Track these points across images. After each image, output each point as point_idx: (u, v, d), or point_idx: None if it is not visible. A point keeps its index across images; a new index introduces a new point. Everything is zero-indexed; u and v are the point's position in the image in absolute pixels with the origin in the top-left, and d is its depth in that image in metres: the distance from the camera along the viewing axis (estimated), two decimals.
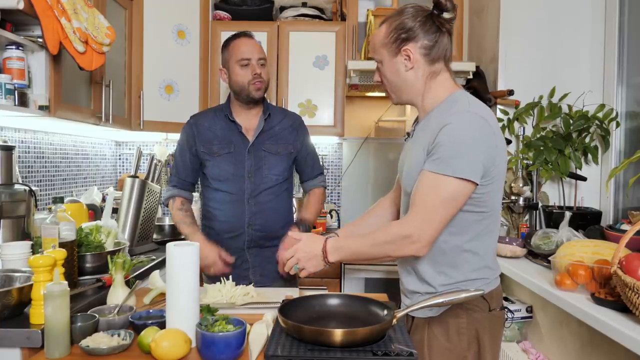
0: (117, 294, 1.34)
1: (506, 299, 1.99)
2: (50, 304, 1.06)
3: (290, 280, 1.83)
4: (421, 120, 1.29)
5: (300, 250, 1.25)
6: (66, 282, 1.11)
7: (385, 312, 1.18)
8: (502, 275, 1.97)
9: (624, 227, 1.78)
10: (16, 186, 1.66)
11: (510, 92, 2.29)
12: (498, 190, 1.21)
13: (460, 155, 1.11)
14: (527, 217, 2.27)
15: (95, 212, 2.32)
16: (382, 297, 1.52)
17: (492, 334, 1.23)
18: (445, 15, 1.20)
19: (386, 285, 2.42)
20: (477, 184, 1.13)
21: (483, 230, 1.21)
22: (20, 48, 1.66)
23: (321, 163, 1.99)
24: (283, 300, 1.25)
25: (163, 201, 1.83)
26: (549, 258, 1.66)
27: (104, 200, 2.60)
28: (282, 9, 2.92)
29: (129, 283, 1.47)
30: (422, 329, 1.25)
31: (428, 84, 1.25)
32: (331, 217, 3.05)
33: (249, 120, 1.80)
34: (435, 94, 1.25)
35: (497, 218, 1.26)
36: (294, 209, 2.82)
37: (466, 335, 1.21)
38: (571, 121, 2.19)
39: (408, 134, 1.39)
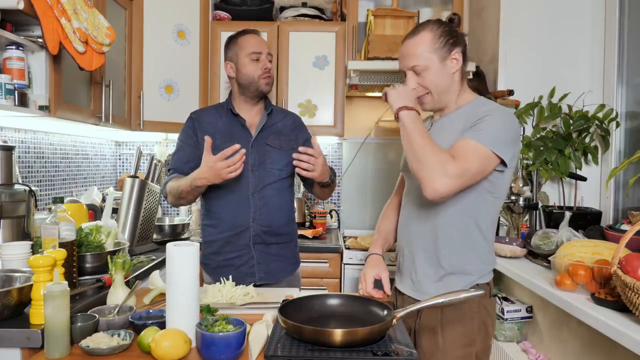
0: (117, 294, 1.34)
1: (506, 299, 1.99)
2: (50, 304, 1.06)
3: (293, 275, 1.86)
4: (439, 117, 1.42)
5: (411, 90, 1.35)
6: (66, 282, 1.11)
7: (385, 312, 1.18)
8: (502, 275, 1.98)
9: (624, 227, 1.78)
10: (16, 186, 1.66)
11: (510, 92, 2.29)
12: (509, 179, 1.36)
13: (500, 134, 1.25)
14: (527, 217, 2.27)
15: (95, 212, 2.33)
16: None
17: (492, 318, 1.38)
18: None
19: None
20: (507, 165, 1.27)
21: (494, 215, 1.37)
22: (20, 48, 1.66)
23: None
24: (283, 300, 1.25)
25: (162, 190, 1.79)
26: (549, 258, 1.66)
27: (104, 200, 2.60)
28: (282, 9, 2.92)
29: (129, 283, 1.47)
30: (435, 314, 1.33)
31: (462, 84, 1.41)
32: (331, 217, 3.05)
33: (251, 116, 1.80)
34: (464, 95, 1.41)
35: (500, 207, 1.40)
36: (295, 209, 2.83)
37: (477, 320, 1.33)
38: (571, 121, 2.19)
39: None
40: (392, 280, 1.45)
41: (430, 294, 1.29)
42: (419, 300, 1.30)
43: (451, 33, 1.34)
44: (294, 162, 1.56)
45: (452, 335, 1.32)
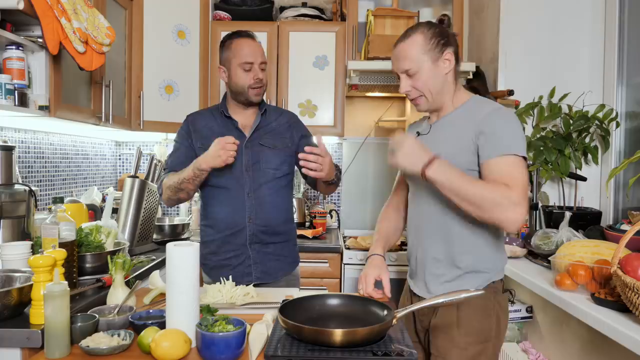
0: (117, 294, 1.34)
1: None
2: (50, 304, 1.06)
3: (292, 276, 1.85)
4: (438, 119, 1.43)
5: (410, 141, 1.25)
6: (66, 282, 1.11)
7: (385, 312, 1.18)
8: None
9: (624, 227, 1.78)
10: (16, 186, 1.66)
11: (510, 92, 2.29)
12: None
13: (513, 134, 1.28)
14: (527, 217, 2.27)
15: (95, 212, 2.33)
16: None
17: (505, 313, 1.42)
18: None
19: None
20: (526, 160, 1.31)
21: None
22: (20, 48, 1.66)
23: None
24: (283, 300, 1.25)
25: (158, 187, 1.80)
26: (549, 258, 1.66)
27: (104, 200, 2.60)
28: (282, 9, 2.92)
29: (129, 283, 1.47)
30: (451, 312, 1.35)
31: (456, 84, 1.41)
32: (331, 217, 3.05)
33: (245, 117, 1.81)
34: (460, 94, 1.41)
35: None
36: (294, 209, 2.83)
37: (493, 317, 1.36)
38: (571, 121, 2.19)
39: (418, 132, 1.48)
40: (391, 281, 1.45)
41: None
42: None
43: (442, 34, 1.35)
44: (301, 163, 1.54)
45: (470, 331, 1.34)
